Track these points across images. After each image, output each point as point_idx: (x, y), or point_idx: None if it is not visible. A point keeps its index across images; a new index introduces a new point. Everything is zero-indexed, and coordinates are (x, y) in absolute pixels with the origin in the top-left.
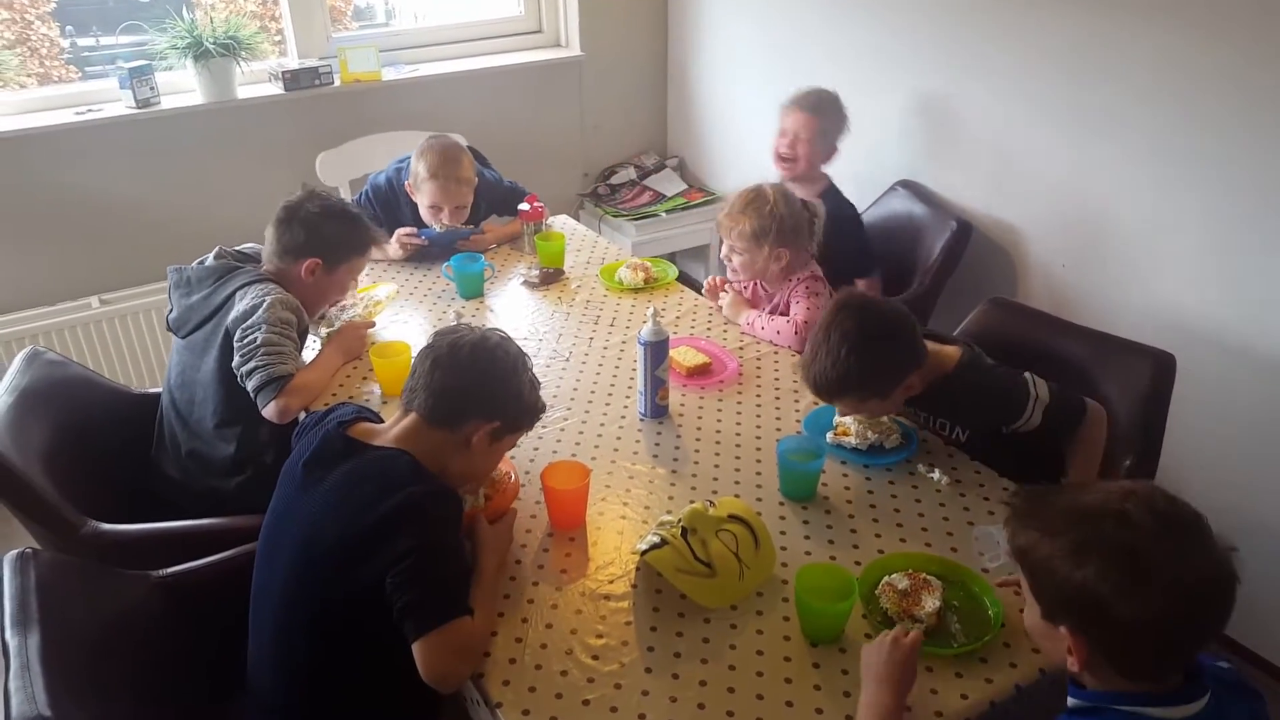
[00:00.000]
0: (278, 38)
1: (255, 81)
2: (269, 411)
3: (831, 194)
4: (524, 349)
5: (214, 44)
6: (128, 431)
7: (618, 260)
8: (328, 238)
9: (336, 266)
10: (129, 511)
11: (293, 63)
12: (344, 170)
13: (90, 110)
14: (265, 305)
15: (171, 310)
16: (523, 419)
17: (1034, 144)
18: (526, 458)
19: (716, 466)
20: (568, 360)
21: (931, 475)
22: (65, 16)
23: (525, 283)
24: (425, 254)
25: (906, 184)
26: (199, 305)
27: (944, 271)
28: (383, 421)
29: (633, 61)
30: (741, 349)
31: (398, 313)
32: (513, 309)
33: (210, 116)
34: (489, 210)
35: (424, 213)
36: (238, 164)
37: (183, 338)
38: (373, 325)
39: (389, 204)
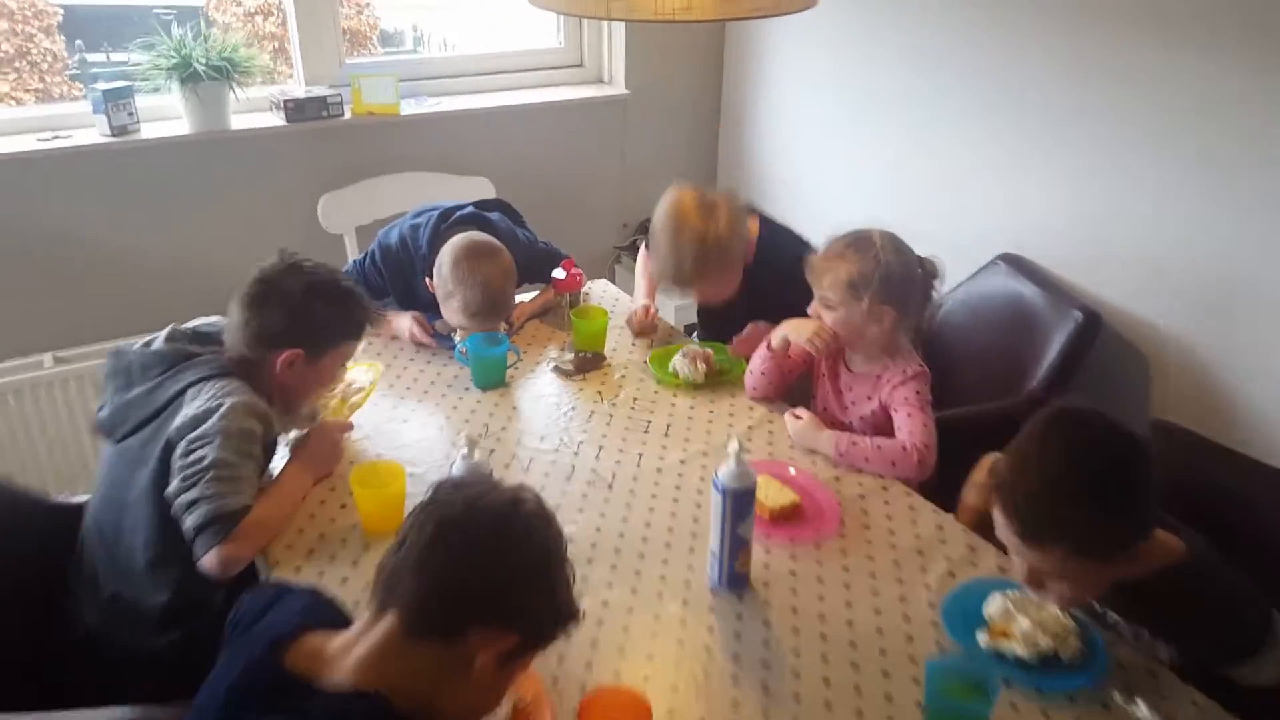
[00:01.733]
0: (288, 63)
1: (254, 110)
2: (208, 563)
3: None
4: (557, 470)
5: (205, 65)
6: (36, 557)
7: (670, 345)
8: (314, 322)
9: (321, 355)
10: (25, 669)
11: (298, 90)
12: (350, 215)
13: (56, 137)
14: (222, 411)
15: (103, 406)
16: (549, 631)
17: (1192, 224)
18: (554, 658)
19: (827, 682)
20: (610, 487)
21: (1134, 708)
22: (75, 30)
23: (557, 368)
24: (437, 353)
25: (1012, 259)
26: (138, 402)
27: (1064, 374)
28: (343, 622)
29: (683, 102)
30: (838, 479)
31: (391, 407)
32: (540, 406)
33: (198, 149)
34: (519, 278)
35: (448, 318)
36: (228, 205)
37: (115, 442)
38: (349, 429)
39: (401, 270)
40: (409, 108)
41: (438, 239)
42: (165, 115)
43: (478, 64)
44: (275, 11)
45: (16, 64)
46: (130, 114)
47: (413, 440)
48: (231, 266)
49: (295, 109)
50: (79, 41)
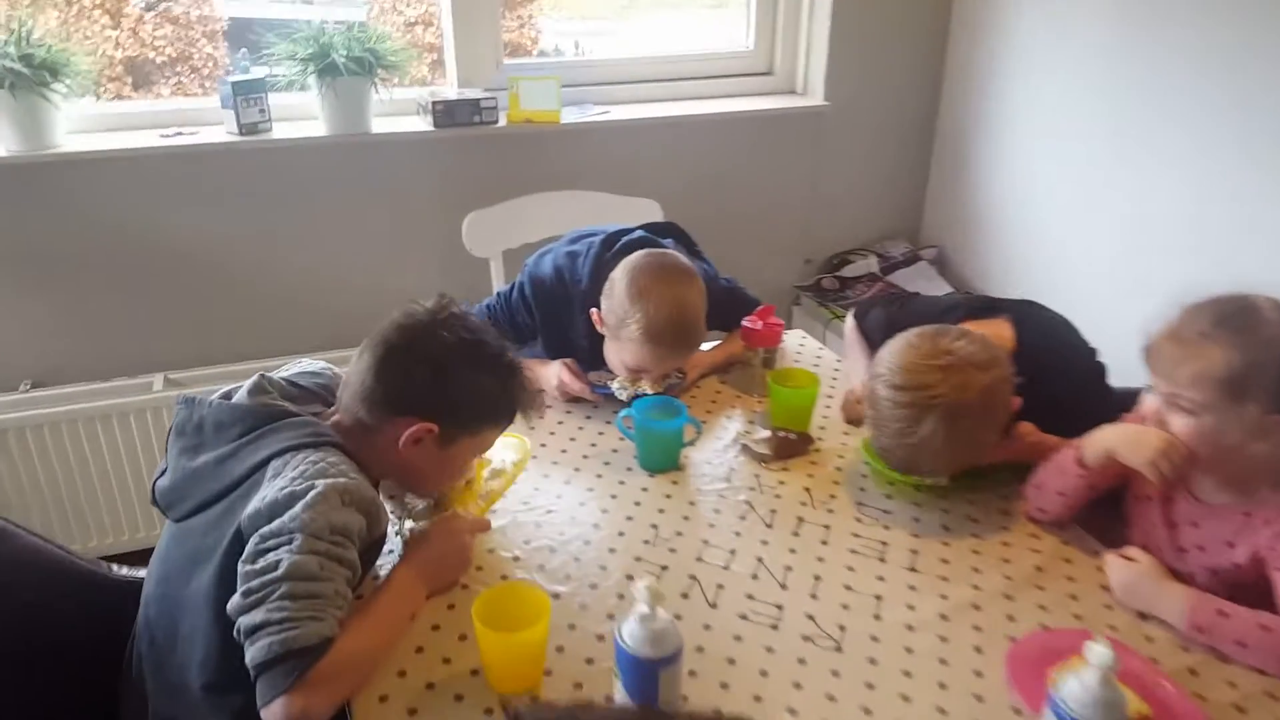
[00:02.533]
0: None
1: (399, 113)
2: (273, 716)
3: None
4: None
5: (345, 57)
6: (84, 647)
7: None
8: (461, 395)
9: (458, 438)
10: None
11: (449, 92)
12: (498, 237)
13: (180, 134)
14: (310, 498)
15: (164, 471)
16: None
17: None
18: None
19: None
20: (839, 650)
21: None
22: (239, 40)
23: (747, 449)
24: (583, 403)
25: None
26: (206, 472)
27: None
28: None
29: (891, 120)
30: (1193, 671)
31: (531, 491)
32: (727, 506)
33: (333, 153)
34: None
35: (611, 358)
36: (363, 219)
37: (175, 521)
38: (484, 528)
39: (554, 306)
40: (571, 116)
41: (601, 270)
42: (301, 115)
43: (650, 68)
44: (435, 22)
45: (178, 68)
46: (261, 110)
47: (557, 541)
48: (364, 290)
49: (444, 113)
50: (242, 50)
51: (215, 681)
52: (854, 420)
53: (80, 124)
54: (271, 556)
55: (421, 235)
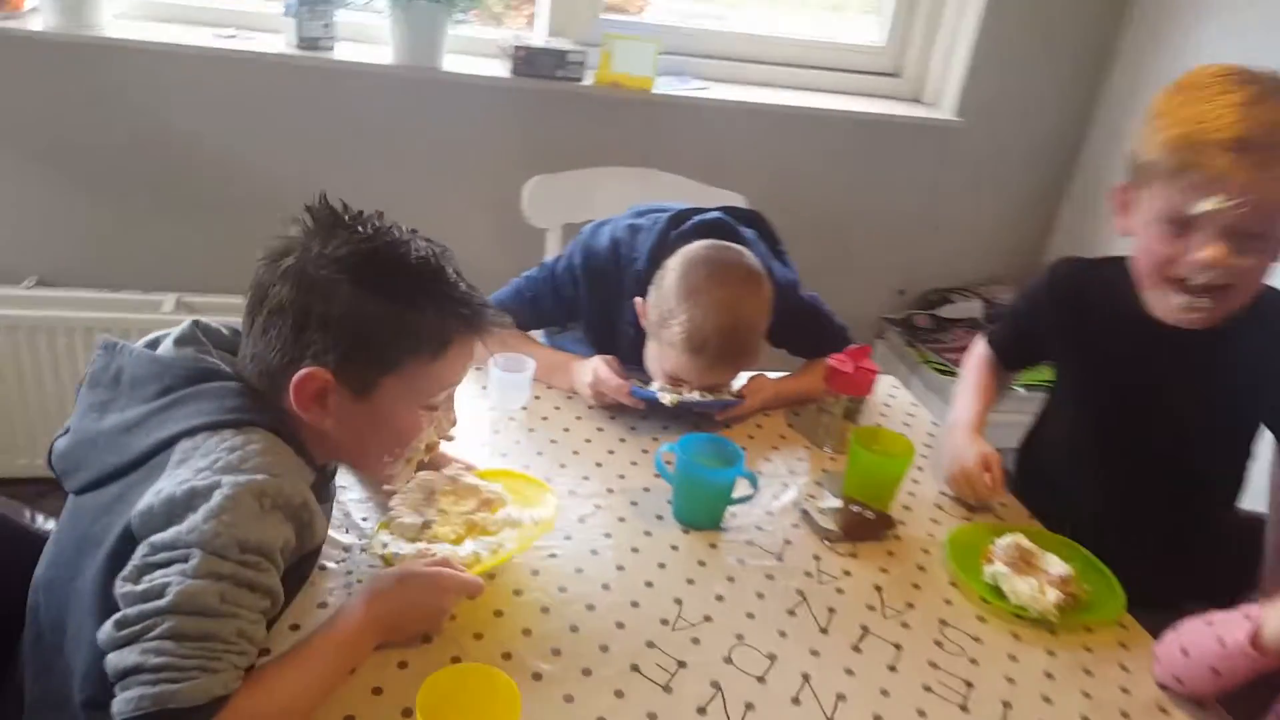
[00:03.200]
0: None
1: (476, 53)
2: None
3: None
4: None
5: None
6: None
7: (978, 522)
8: (348, 319)
9: (374, 382)
10: None
11: (535, 38)
12: (561, 207)
13: (235, 36)
14: (219, 501)
15: (65, 429)
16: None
17: None
18: None
19: None
20: None
21: None
22: None
23: (808, 519)
24: (623, 411)
25: None
26: (108, 440)
27: None
28: None
29: (1027, 147)
30: None
31: (542, 557)
32: (776, 593)
33: (396, 85)
34: (769, 330)
35: (649, 359)
36: (416, 162)
37: (72, 492)
38: (478, 592)
39: (604, 285)
40: (665, 86)
41: (662, 250)
42: (369, 39)
43: (761, 48)
44: None
45: None
46: (326, 25)
47: (555, 598)
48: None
49: (525, 61)
50: None
51: (96, 698)
52: (968, 495)
53: (130, 9)
54: (158, 577)
55: (477, 193)
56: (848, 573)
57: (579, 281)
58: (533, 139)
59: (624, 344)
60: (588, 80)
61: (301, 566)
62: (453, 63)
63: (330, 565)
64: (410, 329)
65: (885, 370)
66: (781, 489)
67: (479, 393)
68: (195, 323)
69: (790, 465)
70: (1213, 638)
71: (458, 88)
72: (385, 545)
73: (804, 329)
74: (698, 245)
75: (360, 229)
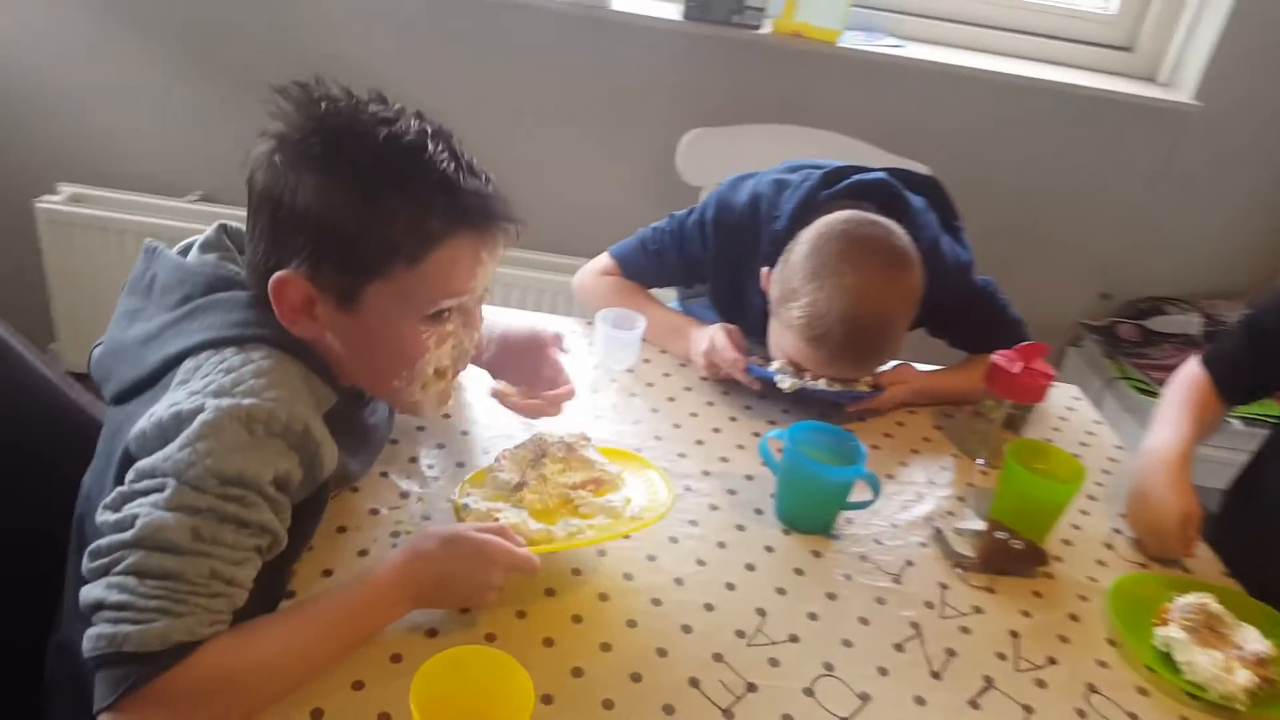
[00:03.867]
0: None
1: None
2: None
3: None
4: None
5: None
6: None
7: (1159, 577)
8: (326, 214)
9: (358, 289)
10: None
11: None
12: (717, 164)
13: None
14: (198, 426)
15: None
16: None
17: None
18: None
19: None
20: None
21: None
22: None
23: (940, 539)
24: (739, 388)
25: None
26: (131, 351)
27: None
28: None
29: (1278, 141)
30: None
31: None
32: (885, 610)
33: (558, 22)
34: (921, 322)
35: (771, 337)
36: (576, 102)
37: (109, 402)
38: (532, 572)
39: (736, 244)
40: (852, 40)
41: (809, 211)
42: None
43: (966, 6)
44: None
45: None
46: None
47: (616, 584)
48: (555, 191)
49: (699, 4)
50: None
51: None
52: (1152, 548)
53: None
54: (133, 507)
55: (634, 141)
56: (979, 609)
57: (708, 239)
58: (698, 88)
59: (752, 315)
60: (766, 29)
61: (313, 501)
62: (623, 3)
63: (381, 510)
64: (380, 222)
65: (1069, 380)
66: (914, 500)
67: (584, 349)
68: (222, 226)
69: (930, 475)
70: None
71: (625, 29)
72: (467, 496)
73: (971, 318)
74: (838, 216)
75: (330, 106)
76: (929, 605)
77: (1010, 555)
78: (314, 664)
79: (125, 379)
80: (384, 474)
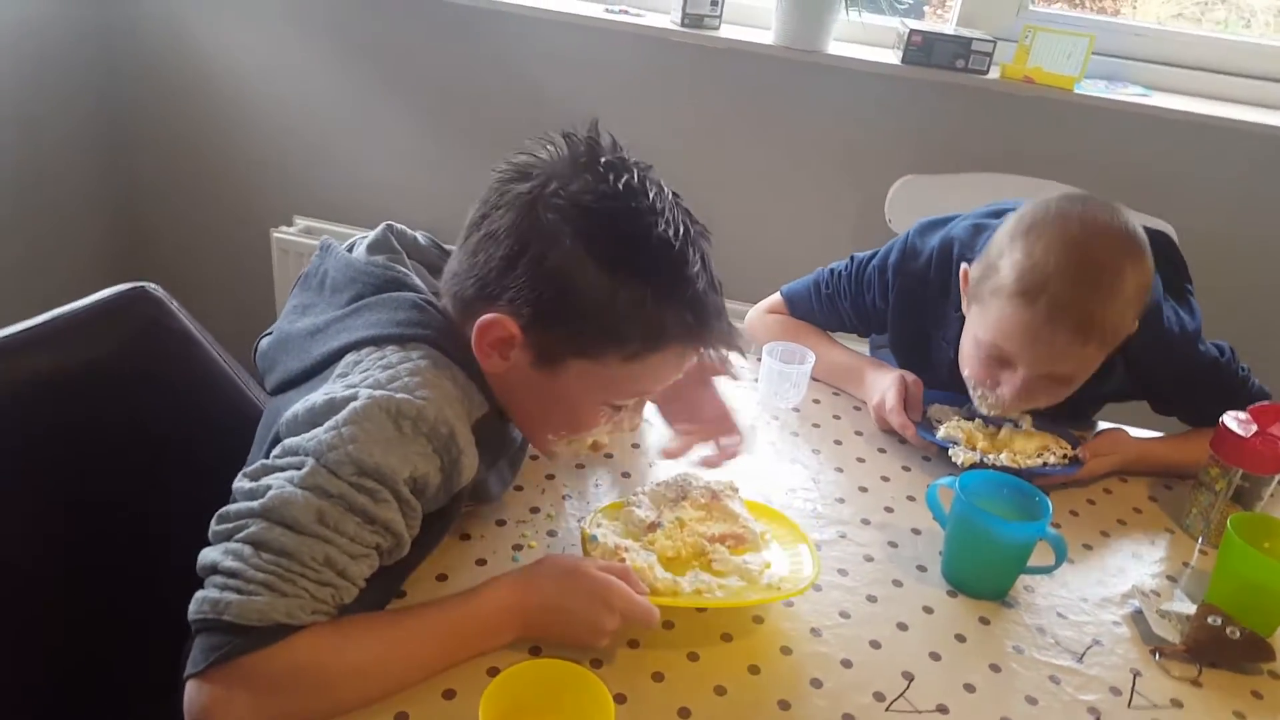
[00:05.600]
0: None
1: (870, 41)
2: (186, 697)
3: None
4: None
5: None
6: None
7: None
8: (561, 281)
9: (562, 358)
10: None
11: (945, 26)
12: (928, 212)
13: (625, 12)
14: (347, 412)
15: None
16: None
17: None
18: None
19: None
20: None
21: None
22: None
23: (1142, 624)
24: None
25: None
26: (298, 342)
27: None
28: None
29: None
30: None
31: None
32: (1059, 693)
33: (773, 66)
34: (1148, 388)
35: (965, 345)
36: (788, 145)
37: (269, 393)
38: (652, 624)
39: (919, 292)
40: (1092, 89)
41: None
42: (754, 21)
43: (1217, 54)
44: None
45: None
46: (713, 3)
47: (745, 625)
48: (749, 239)
49: (921, 48)
50: None
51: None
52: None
53: None
54: (268, 480)
55: (846, 189)
56: (1178, 703)
57: (890, 287)
58: (915, 135)
59: (939, 371)
60: (993, 74)
61: (444, 511)
62: (840, 48)
63: (508, 523)
64: (620, 315)
65: None
66: (1113, 575)
67: (749, 384)
68: (389, 227)
69: (1137, 549)
70: None
71: (841, 73)
72: (598, 526)
73: (1198, 389)
74: (1050, 196)
75: (610, 177)
76: (1115, 692)
77: (1225, 645)
78: (409, 676)
79: (290, 370)
80: (518, 488)
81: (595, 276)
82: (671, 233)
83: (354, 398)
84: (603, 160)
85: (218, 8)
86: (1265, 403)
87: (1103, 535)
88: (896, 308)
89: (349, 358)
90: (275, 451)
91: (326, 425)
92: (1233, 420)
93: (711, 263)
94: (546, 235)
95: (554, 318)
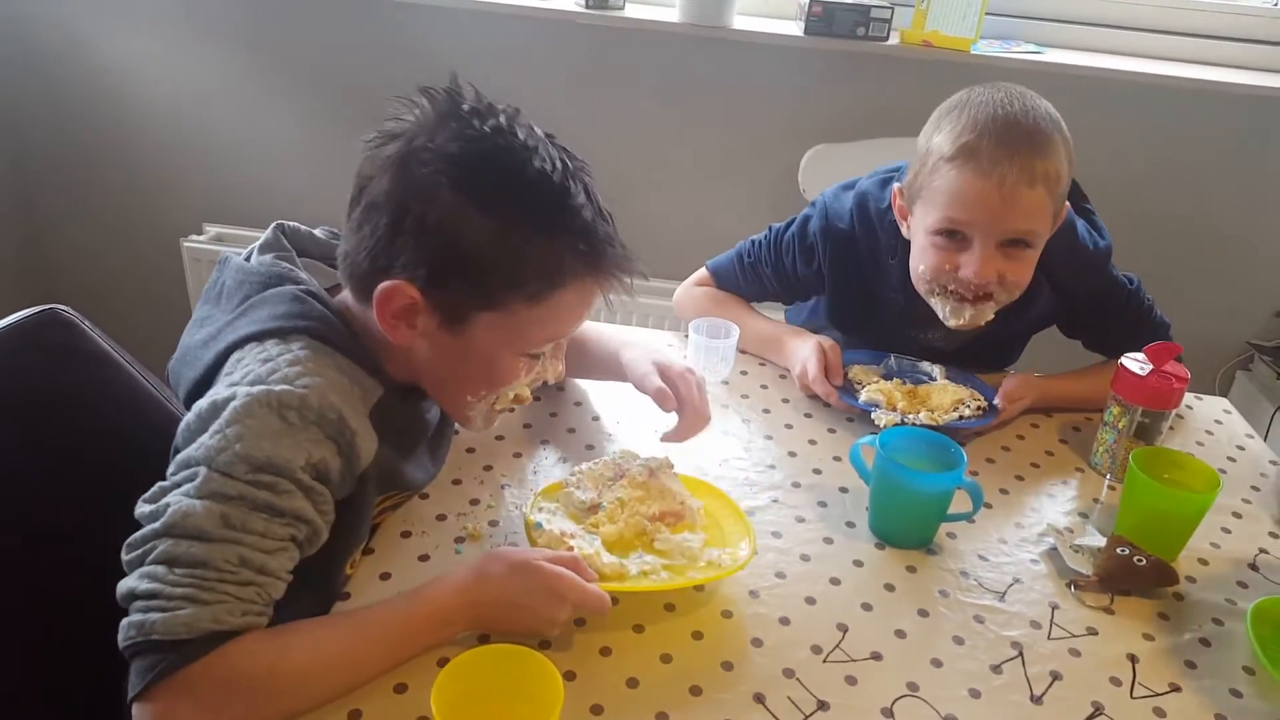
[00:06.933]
0: None
1: (774, 14)
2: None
3: None
4: None
5: None
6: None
7: None
8: (450, 234)
9: (467, 314)
10: None
11: None
12: (841, 180)
13: None
14: (229, 412)
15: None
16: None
17: None
18: None
19: None
20: None
21: None
22: None
23: (1057, 559)
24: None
25: None
26: (194, 354)
27: None
28: None
29: None
30: None
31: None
32: (983, 632)
33: (682, 45)
34: (1065, 306)
35: (914, 254)
36: (698, 123)
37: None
38: (603, 611)
39: (851, 249)
40: (988, 49)
41: None
42: (658, 0)
43: (1120, 11)
44: None
45: None
46: None
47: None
48: (671, 214)
49: (821, 18)
50: None
51: None
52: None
53: None
54: (166, 500)
55: (754, 159)
56: (1093, 631)
57: (820, 252)
58: (822, 105)
59: (889, 316)
60: (893, 39)
61: (357, 497)
62: (745, 22)
63: (449, 516)
64: (513, 257)
65: (1241, 406)
66: (1031, 516)
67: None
68: (278, 226)
69: (1051, 489)
70: None
71: (746, 48)
72: (540, 511)
73: (1111, 314)
74: None
75: (477, 123)
76: (1035, 625)
77: (1133, 573)
78: (359, 674)
79: (190, 381)
80: (456, 481)
81: (480, 223)
82: (548, 167)
83: (233, 397)
84: (465, 107)
85: (106, 12)
86: (1158, 343)
87: (1017, 479)
88: (833, 276)
89: (233, 358)
90: (170, 468)
91: (211, 430)
92: (1131, 361)
93: (597, 194)
94: (424, 192)
95: (450, 273)
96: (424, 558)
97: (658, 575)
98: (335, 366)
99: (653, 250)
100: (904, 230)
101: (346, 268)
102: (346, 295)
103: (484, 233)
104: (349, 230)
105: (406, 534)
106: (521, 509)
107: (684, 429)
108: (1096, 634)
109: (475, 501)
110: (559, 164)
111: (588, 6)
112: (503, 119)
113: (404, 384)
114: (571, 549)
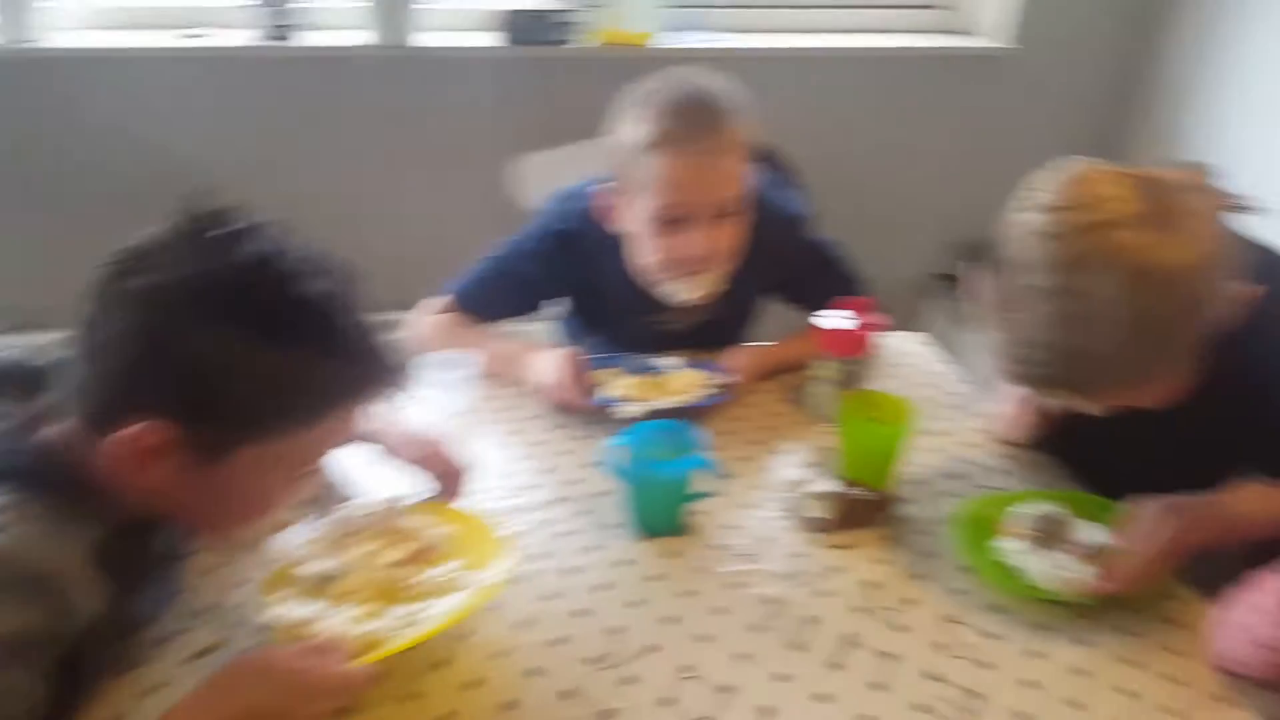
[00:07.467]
0: None
1: (463, 27)
2: None
3: None
4: None
5: None
6: None
7: (1002, 495)
8: (208, 368)
9: (229, 448)
10: None
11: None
12: (555, 185)
13: (202, 36)
14: None
15: None
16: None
17: None
18: None
19: None
20: None
21: None
22: None
23: (798, 510)
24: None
25: None
26: None
27: None
28: None
29: (1088, 76)
30: None
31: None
32: (744, 594)
33: (371, 68)
34: (775, 275)
35: (640, 245)
36: (404, 148)
37: None
38: (364, 686)
39: (580, 247)
40: (674, 42)
41: None
42: (348, 24)
43: None
44: None
45: None
46: (292, 12)
47: (473, 628)
48: (396, 238)
49: (513, 26)
50: None
51: None
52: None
53: (79, 18)
54: None
55: (470, 177)
56: (838, 569)
57: (551, 255)
58: (528, 112)
59: (624, 308)
60: (582, 42)
61: (98, 640)
62: (434, 38)
63: (178, 637)
64: (278, 389)
65: (937, 332)
66: (770, 475)
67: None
68: None
69: (783, 447)
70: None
71: (437, 64)
72: (271, 604)
73: (811, 273)
74: None
75: (222, 252)
76: (789, 576)
77: (865, 508)
78: None
79: None
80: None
81: (240, 358)
82: (308, 289)
83: None
84: (209, 235)
85: None
86: (850, 298)
87: (753, 445)
88: (568, 277)
89: None
90: None
91: None
92: (827, 318)
93: (360, 304)
94: (174, 329)
95: (209, 410)
96: (155, 689)
97: (420, 625)
98: (39, 514)
99: (395, 284)
100: (615, 227)
101: (79, 403)
102: (66, 426)
103: (244, 367)
104: (79, 359)
105: (133, 666)
106: (255, 609)
107: (450, 491)
108: (843, 571)
109: (210, 608)
110: (318, 281)
111: (267, 39)
112: (252, 241)
113: (131, 518)
114: (315, 634)
